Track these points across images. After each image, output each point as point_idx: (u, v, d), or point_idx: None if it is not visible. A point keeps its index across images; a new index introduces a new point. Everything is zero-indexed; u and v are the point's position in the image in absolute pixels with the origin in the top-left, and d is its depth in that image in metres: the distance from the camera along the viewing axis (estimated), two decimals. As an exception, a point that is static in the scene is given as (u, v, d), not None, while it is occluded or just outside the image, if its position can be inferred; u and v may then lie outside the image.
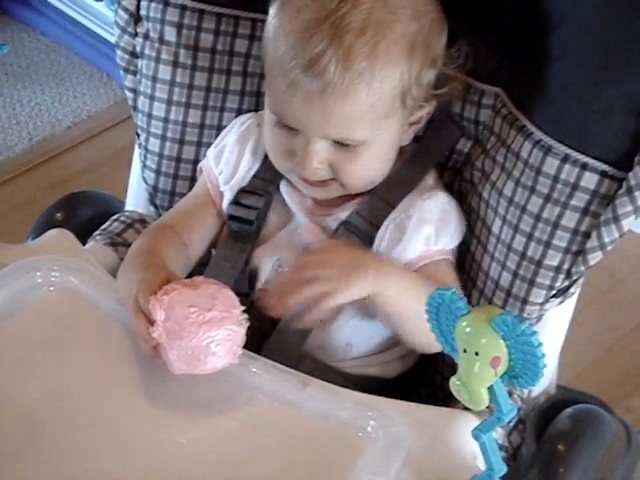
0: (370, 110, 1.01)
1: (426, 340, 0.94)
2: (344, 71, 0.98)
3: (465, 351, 0.84)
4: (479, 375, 0.83)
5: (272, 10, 1.04)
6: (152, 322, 0.95)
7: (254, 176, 1.14)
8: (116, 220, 1.22)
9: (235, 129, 1.16)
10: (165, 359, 0.95)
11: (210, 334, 0.93)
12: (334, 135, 1.02)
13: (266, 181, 1.13)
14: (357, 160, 1.04)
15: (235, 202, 1.13)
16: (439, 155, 1.14)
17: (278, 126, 1.05)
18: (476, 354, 0.83)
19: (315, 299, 0.97)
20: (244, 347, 0.97)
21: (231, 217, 1.13)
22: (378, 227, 1.08)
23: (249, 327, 0.97)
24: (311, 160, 1.03)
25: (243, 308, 0.97)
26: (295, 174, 1.08)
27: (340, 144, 1.03)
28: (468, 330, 0.83)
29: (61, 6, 2.42)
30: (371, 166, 1.06)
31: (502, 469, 0.88)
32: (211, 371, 0.95)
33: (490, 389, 0.84)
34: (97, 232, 1.20)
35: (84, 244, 1.17)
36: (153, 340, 0.95)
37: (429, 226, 1.07)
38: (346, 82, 0.98)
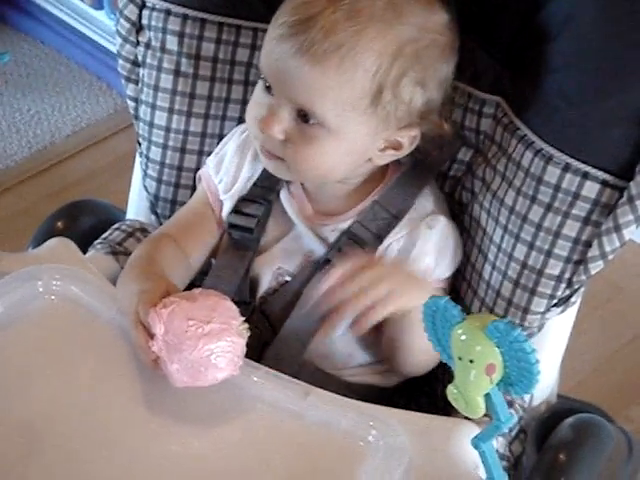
0: (337, 88, 1.00)
1: (424, 361, 1.03)
2: (324, 38, 0.98)
3: (460, 359, 0.84)
4: (475, 383, 0.84)
5: None
6: (152, 335, 0.95)
7: (254, 184, 1.13)
8: (117, 229, 1.22)
9: (235, 137, 1.16)
10: (166, 372, 0.95)
11: (210, 347, 0.93)
12: (298, 100, 1.01)
13: (266, 189, 1.13)
14: (313, 143, 1.02)
15: (235, 211, 1.13)
16: (440, 164, 1.14)
17: (260, 88, 1.05)
18: (471, 362, 0.83)
19: (374, 304, 0.97)
20: (245, 355, 0.97)
21: (231, 226, 1.12)
22: (381, 239, 1.08)
23: (250, 335, 0.97)
24: (272, 122, 1.02)
25: (243, 318, 0.97)
26: (257, 141, 1.07)
27: (303, 120, 1.02)
28: (463, 338, 0.83)
29: (61, 15, 2.42)
30: (324, 157, 1.04)
31: (503, 478, 0.88)
32: (212, 383, 0.95)
33: (487, 397, 0.84)
34: (98, 241, 1.20)
35: (85, 253, 1.17)
36: (153, 354, 0.95)
37: (429, 258, 1.07)
38: (322, 49, 0.98)
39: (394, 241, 1.08)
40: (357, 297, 0.97)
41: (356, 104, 1.01)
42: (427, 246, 1.08)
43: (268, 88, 1.04)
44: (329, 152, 1.03)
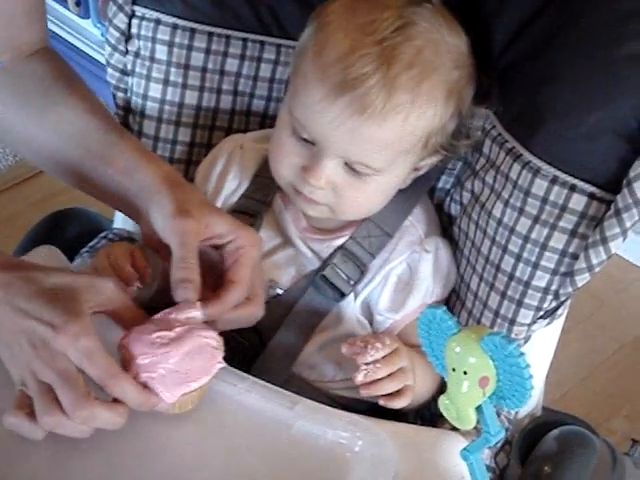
0: (398, 142, 1.01)
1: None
2: (387, 98, 0.97)
3: (454, 370, 0.84)
4: (467, 394, 0.84)
5: (312, 25, 1.03)
6: (127, 367, 0.91)
7: (243, 196, 1.13)
8: (104, 237, 1.22)
9: (222, 150, 1.16)
10: (158, 394, 0.91)
11: (182, 348, 0.92)
12: (353, 158, 1.01)
13: (256, 201, 1.13)
14: (362, 189, 1.04)
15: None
16: (431, 180, 1.15)
17: (293, 136, 1.04)
18: (465, 373, 0.83)
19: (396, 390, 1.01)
20: (233, 366, 0.96)
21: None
22: (374, 255, 1.09)
23: (238, 347, 0.97)
24: (319, 177, 1.02)
25: (200, 311, 0.94)
26: (292, 187, 1.07)
27: (351, 169, 1.02)
28: (458, 349, 0.83)
29: (48, 23, 2.41)
30: (372, 199, 1.06)
31: (490, 490, 0.88)
32: (204, 381, 0.92)
33: (478, 409, 0.85)
34: (85, 249, 1.20)
35: (72, 261, 1.17)
36: (136, 381, 0.90)
37: (428, 281, 1.09)
38: (386, 109, 0.98)
39: (394, 267, 1.09)
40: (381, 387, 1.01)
41: (412, 149, 1.03)
42: (427, 270, 1.09)
43: (304, 139, 1.03)
44: (377, 193, 1.06)
